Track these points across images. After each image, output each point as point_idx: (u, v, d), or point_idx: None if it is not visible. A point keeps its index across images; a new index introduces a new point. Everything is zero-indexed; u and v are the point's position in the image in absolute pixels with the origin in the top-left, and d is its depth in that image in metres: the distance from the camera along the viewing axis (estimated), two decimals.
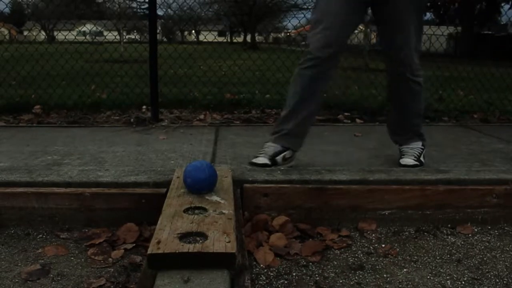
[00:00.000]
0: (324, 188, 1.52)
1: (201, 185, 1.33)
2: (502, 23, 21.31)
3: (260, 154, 1.79)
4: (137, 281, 1.13)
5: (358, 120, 3.13)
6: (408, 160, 1.84)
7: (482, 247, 1.41)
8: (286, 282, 1.18)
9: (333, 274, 1.22)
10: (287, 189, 1.52)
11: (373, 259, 1.32)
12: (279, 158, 1.76)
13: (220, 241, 1.01)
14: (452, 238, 1.47)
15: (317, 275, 1.22)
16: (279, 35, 26.52)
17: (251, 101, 3.57)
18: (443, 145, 2.52)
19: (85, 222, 1.48)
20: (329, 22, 1.67)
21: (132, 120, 3.12)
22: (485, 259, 1.33)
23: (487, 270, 1.26)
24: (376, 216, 1.54)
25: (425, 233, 1.50)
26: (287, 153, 1.77)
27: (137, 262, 1.26)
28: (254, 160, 1.76)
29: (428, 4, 22.65)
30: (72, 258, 1.29)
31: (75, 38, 4.78)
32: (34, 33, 6.14)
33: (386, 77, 1.89)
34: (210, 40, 13.36)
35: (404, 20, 1.70)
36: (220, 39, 25.89)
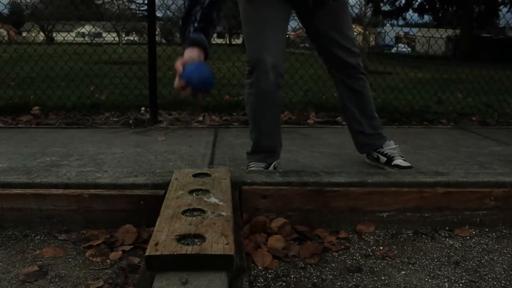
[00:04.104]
0: (322, 190, 1.52)
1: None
2: (500, 26, 21.37)
3: None
4: (135, 282, 1.13)
5: None
6: (401, 161, 1.93)
7: (480, 250, 1.41)
8: (284, 284, 1.18)
9: (331, 276, 1.23)
10: (286, 191, 1.52)
11: (371, 261, 1.32)
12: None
13: (218, 243, 1.01)
14: (450, 241, 1.47)
15: (315, 277, 1.22)
16: None
17: None
18: (442, 147, 2.53)
19: (83, 224, 1.47)
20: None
21: (131, 121, 3.12)
22: (483, 261, 1.33)
23: (485, 272, 1.26)
24: (374, 218, 1.54)
25: (423, 236, 1.50)
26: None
27: (135, 263, 1.25)
28: None
29: (427, 6, 22.76)
30: (70, 259, 1.29)
31: (74, 39, 4.78)
32: (33, 34, 6.14)
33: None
34: None
35: None
36: (219, 41, 25.88)
